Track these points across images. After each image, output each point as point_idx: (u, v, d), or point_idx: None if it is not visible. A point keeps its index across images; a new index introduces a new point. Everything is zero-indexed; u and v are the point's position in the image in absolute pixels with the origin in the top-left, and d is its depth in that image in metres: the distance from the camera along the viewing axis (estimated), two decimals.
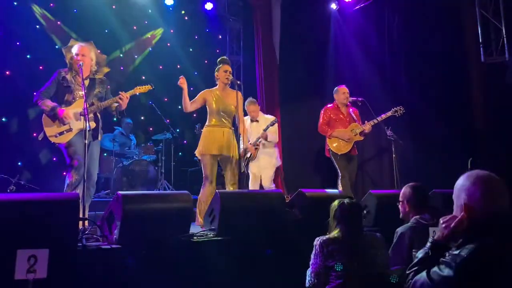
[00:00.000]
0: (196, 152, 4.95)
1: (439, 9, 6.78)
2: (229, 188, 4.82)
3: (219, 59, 5.11)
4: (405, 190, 3.29)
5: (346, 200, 2.94)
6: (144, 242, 3.13)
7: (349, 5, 7.95)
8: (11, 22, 7.25)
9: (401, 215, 3.33)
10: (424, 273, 1.90)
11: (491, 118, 6.38)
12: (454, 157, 6.26)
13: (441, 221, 1.98)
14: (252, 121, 6.32)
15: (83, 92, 4.13)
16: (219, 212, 3.56)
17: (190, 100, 4.93)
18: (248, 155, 5.83)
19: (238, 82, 4.96)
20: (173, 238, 3.29)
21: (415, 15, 7.11)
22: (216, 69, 5.08)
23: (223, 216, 3.55)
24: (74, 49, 4.46)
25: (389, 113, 6.09)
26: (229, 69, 5.08)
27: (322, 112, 6.32)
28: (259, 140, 6.03)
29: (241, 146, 5.17)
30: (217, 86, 5.08)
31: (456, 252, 1.80)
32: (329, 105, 6.37)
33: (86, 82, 4.38)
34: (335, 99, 6.35)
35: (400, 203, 3.30)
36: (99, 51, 4.73)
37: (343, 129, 6.13)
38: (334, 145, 6.08)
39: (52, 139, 4.28)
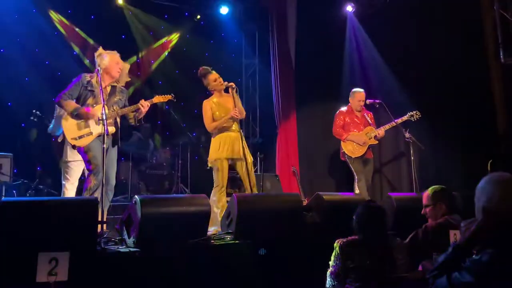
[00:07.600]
0: (208, 162, 4.96)
1: (457, 10, 6.68)
2: (248, 190, 4.79)
3: (200, 72, 5.07)
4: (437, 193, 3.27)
5: (373, 204, 2.94)
6: (162, 245, 3.14)
7: (365, 7, 7.89)
8: (30, 28, 7.34)
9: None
10: (444, 278, 1.86)
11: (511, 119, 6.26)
12: (474, 159, 6.15)
13: (462, 225, 1.95)
14: None
15: (101, 97, 4.13)
16: (236, 215, 3.56)
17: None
18: None
19: (230, 83, 4.92)
20: (190, 241, 3.30)
21: (433, 15, 7.02)
22: (205, 83, 5.06)
23: (240, 219, 3.55)
24: (113, 58, 4.48)
25: (405, 117, 6.05)
26: (217, 75, 5.03)
27: (336, 115, 6.31)
28: None
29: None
30: (213, 95, 5.07)
31: (477, 257, 1.76)
32: (343, 108, 6.36)
33: (108, 89, 4.44)
34: (350, 102, 6.32)
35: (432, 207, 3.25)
36: None
37: (358, 132, 6.10)
38: (349, 148, 6.08)
39: (73, 142, 4.30)
